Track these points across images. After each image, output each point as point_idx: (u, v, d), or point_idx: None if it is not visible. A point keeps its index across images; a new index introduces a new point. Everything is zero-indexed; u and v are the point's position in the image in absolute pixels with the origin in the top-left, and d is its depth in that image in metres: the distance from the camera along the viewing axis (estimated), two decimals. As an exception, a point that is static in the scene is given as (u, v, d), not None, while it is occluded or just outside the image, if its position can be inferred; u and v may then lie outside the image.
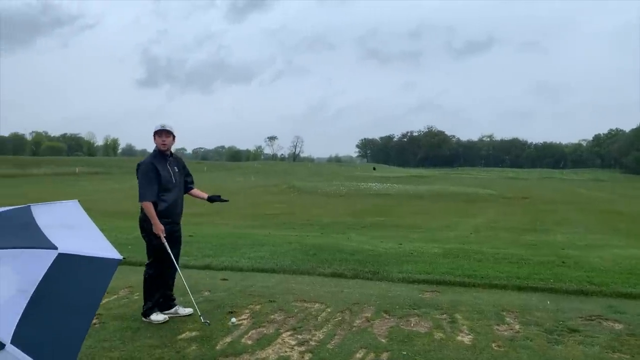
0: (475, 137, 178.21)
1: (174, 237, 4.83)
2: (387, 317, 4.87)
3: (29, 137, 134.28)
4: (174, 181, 4.80)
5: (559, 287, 6.00)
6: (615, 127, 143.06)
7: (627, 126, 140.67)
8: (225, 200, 5.23)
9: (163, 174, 4.69)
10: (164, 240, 4.67)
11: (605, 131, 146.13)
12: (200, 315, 4.59)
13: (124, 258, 2.25)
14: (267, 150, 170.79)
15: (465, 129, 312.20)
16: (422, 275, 6.50)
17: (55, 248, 1.98)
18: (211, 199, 5.17)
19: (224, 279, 6.26)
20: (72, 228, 2.22)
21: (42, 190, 30.77)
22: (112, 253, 2.17)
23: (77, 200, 2.40)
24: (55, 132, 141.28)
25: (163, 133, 4.76)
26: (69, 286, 1.98)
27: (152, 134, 4.79)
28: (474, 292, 5.87)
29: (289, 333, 4.41)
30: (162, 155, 4.79)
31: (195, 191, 5.14)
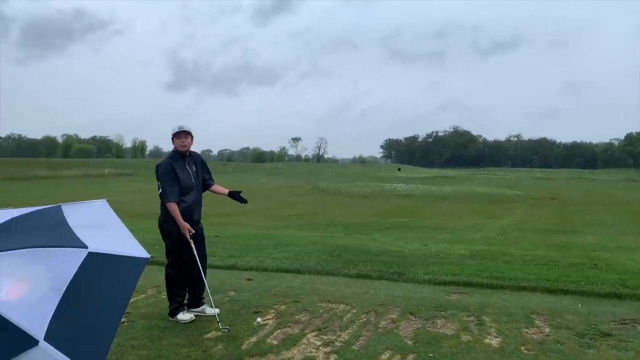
0: (502, 137, 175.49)
1: (198, 237, 4.87)
2: (413, 318, 4.82)
3: (60, 140, 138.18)
4: (193, 181, 4.83)
5: (590, 289, 5.83)
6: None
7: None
8: (244, 201, 5.16)
9: (182, 175, 4.73)
10: (190, 240, 4.72)
11: (638, 129, 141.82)
12: (218, 322, 4.53)
13: (152, 257, 2.28)
14: (291, 152, 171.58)
15: (492, 129, 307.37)
16: (449, 277, 6.41)
17: (86, 247, 2.02)
18: (232, 194, 5.13)
19: (249, 279, 6.30)
20: (102, 227, 2.26)
21: (73, 192, 31.58)
22: (141, 252, 2.21)
23: (105, 199, 2.45)
24: (85, 134, 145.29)
25: (182, 134, 4.80)
26: (99, 284, 2.02)
27: (171, 136, 4.83)
28: (501, 294, 5.75)
29: (314, 333, 4.40)
30: (180, 155, 4.83)
31: (215, 187, 5.14)
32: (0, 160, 72.56)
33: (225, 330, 4.46)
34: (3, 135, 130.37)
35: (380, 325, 4.62)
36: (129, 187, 38.61)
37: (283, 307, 5.16)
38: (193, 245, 4.75)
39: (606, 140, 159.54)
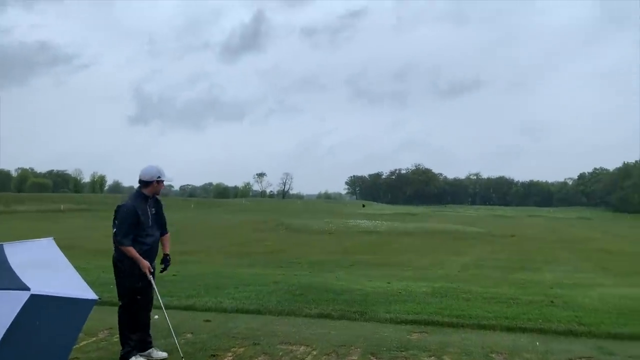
0: (462, 176, 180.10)
1: (148, 282, 4.71)
2: (374, 359, 4.75)
3: (14, 174, 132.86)
4: (151, 224, 4.76)
5: (547, 327, 5.93)
6: (599, 166, 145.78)
7: (611, 165, 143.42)
8: (163, 269, 5.00)
9: (143, 218, 4.65)
10: (151, 277, 4.63)
11: (590, 170, 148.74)
12: (182, 357, 4.43)
13: (99, 299, 2.18)
14: (256, 187, 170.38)
15: (453, 167, 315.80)
16: (411, 316, 6.40)
17: (28, 289, 1.91)
18: (164, 259, 5.01)
19: (207, 320, 6.09)
20: (46, 267, 2.16)
21: (26, 227, 30.20)
22: (88, 293, 2.11)
23: (52, 238, 2.34)
24: (41, 168, 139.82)
25: (162, 183, 4.75)
26: (41, 328, 1.90)
27: (147, 178, 4.69)
28: (462, 332, 5.77)
29: (272, 377, 4.26)
30: (144, 197, 4.74)
31: (163, 239, 5.02)
32: (-52, 194, 69.08)
33: None
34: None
35: (341, 367, 4.52)
36: (86, 223, 37.29)
37: (241, 349, 5.00)
38: (154, 283, 4.66)
39: (561, 179, 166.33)
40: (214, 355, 4.78)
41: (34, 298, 1.91)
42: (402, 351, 4.97)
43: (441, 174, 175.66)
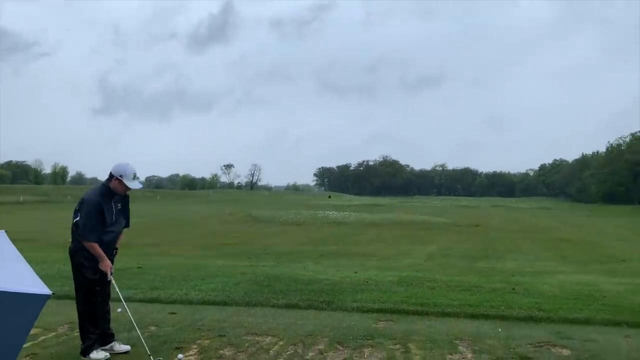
0: (428, 167, 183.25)
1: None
2: (341, 348, 4.77)
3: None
4: (114, 220, 4.65)
5: (509, 314, 6.09)
6: (559, 157, 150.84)
7: (570, 157, 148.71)
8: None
9: (107, 214, 4.53)
10: (111, 277, 4.56)
11: (550, 161, 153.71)
12: (149, 355, 4.32)
13: (53, 293, 2.09)
14: (224, 179, 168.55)
15: (419, 159, 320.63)
16: (377, 304, 6.46)
17: (-26, 284, 1.81)
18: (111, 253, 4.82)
19: (172, 313, 5.98)
20: (-4, 261, 2.05)
21: (-19, 220, 28.97)
22: (40, 288, 2.02)
23: (4, 231, 2.23)
24: (0, 159, 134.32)
25: (121, 183, 4.56)
26: (-12, 325, 1.81)
27: (117, 174, 4.52)
28: (427, 320, 5.86)
29: (238, 369, 4.22)
30: (109, 192, 4.59)
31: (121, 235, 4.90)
32: None
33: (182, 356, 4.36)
34: None
35: (307, 357, 4.52)
36: (46, 215, 36.09)
37: (207, 341, 4.93)
38: (114, 282, 4.58)
39: (523, 170, 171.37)
40: (178, 348, 4.69)
41: (-19, 293, 1.81)
42: (368, 339, 5.01)
43: (408, 166, 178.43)
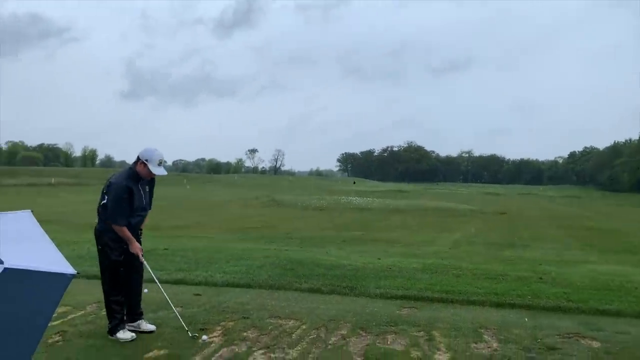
0: (454, 153, 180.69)
1: (133, 257, 4.70)
2: (364, 334, 4.75)
3: (4, 147, 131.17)
4: (143, 203, 4.71)
5: (536, 303, 5.96)
6: (590, 145, 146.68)
7: (601, 144, 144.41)
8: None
9: (136, 197, 4.57)
10: (143, 259, 4.68)
11: (581, 149, 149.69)
12: (187, 331, 4.51)
13: (78, 273, 2.10)
14: (248, 163, 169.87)
15: (445, 145, 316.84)
16: (400, 291, 6.41)
17: (1, 262, 1.82)
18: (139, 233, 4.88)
19: (197, 294, 6.06)
20: (23, 241, 2.07)
21: (16, 201, 29.91)
22: (65, 267, 2.03)
23: (30, 210, 2.25)
24: (32, 142, 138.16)
25: (146, 167, 4.58)
26: (14, 303, 1.83)
27: (144, 158, 4.53)
28: (452, 308, 5.78)
29: (261, 351, 4.25)
30: (136, 176, 4.61)
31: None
32: (-64, 167, 68.28)
33: (195, 336, 4.48)
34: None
35: (330, 342, 4.52)
36: (77, 197, 37.00)
37: (231, 323, 4.98)
38: (146, 263, 4.72)
39: (551, 158, 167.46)
40: (203, 329, 4.75)
41: (7, 272, 1.83)
42: (391, 326, 4.98)
43: (433, 152, 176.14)
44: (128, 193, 4.49)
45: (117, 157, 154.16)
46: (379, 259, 9.56)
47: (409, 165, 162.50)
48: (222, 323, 4.97)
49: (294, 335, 4.68)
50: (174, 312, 4.77)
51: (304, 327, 4.92)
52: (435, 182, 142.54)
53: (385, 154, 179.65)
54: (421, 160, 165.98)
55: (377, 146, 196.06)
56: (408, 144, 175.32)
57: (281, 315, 5.27)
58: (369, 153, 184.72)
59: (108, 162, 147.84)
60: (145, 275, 4.89)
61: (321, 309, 5.56)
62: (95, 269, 6.72)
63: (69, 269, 2.03)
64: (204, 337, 4.52)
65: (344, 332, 4.79)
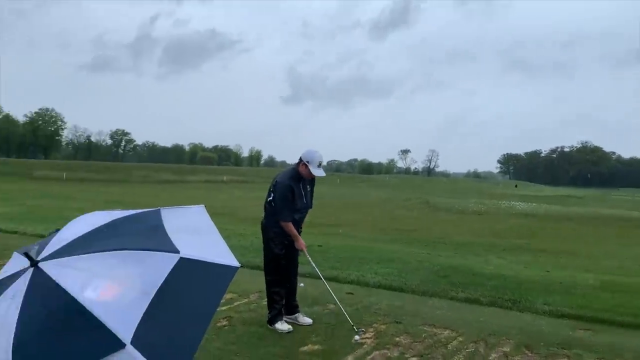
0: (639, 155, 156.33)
1: (295, 250, 4.92)
2: (529, 354, 4.28)
3: (187, 148, 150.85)
4: (305, 202, 4.91)
5: None
6: None
7: None
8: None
9: (298, 196, 4.80)
10: (308, 255, 4.96)
11: None
12: (353, 325, 4.61)
13: (242, 266, 2.20)
14: (400, 164, 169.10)
15: (628, 146, 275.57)
16: (574, 310, 5.65)
17: (178, 252, 1.98)
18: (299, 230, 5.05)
19: (350, 293, 6.11)
20: (196, 233, 2.23)
21: (195, 196, 34.13)
22: (231, 260, 2.13)
23: (203, 205, 2.43)
24: (208, 143, 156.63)
25: (306, 168, 4.78)
26: (187, 291, 1.97)
27: (305, 160, 4.75)
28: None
29: (414, 359, 4.08)
30: (298, 176, 4.83)
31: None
32: (136, 165, 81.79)
33: (362, 331, 4.56)
34: (140, 142, 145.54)
35: (490, 358, 4.15)
36: (245, 193, 40.76)
37: (383, 326, 4.90)
38: (310, 259, 5.01)
39: None
40: (355, 329, 4.75)
41: (182, 261, 1.97)
42: (563, 348, 4.40)
43: (614, 153, 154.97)
44: (291, 192, 4.73)
45: (279, 158, 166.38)
46: (548, 271, 8.62)
47: (582, 168, 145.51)
48: (375, 325, 4.92)
49: (449, 346, 4.41)
50: (332, 307, 4.88)
51: (460, 338, 4.61)
52: (616, 188, 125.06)
53: (554, 155, 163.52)
54: (598, 162, 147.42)
55: (545, 146, 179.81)
56: (582, 144, 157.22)
57: (435, 323, 5.03)
58: (535, 154, 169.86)
59: (271, 162, 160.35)
60: (301, 270, 5.12)
61: (480, 321, 5.16)
62: (257, 260, 7.24)
63: (235, 262, 2.12)
64: (356, 337, 4.51)
65: (506, 349, 4.37)
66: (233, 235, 11.08)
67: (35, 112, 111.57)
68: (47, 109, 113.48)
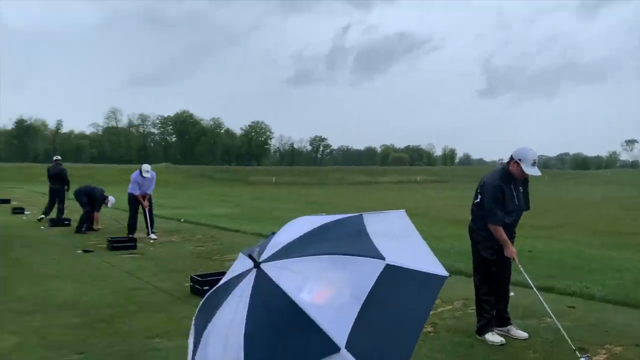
0: None
1: (505, 258, 4.50)
2: None
3: (378, 150, 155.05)
4: (517, 204, 4.47)
5: None
6: None
7: None
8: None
9: (509, 198, 4.41)
10: (519, 264, 4.51)
11: None
12: (574, 350, 3.92)
13: (449, 275, 2.03)
14: (624, 157, 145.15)
15: None
16: None
17: (383, 258, 1.92)
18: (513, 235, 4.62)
19: (571, 307, 5.35)
20: (399, 239, 2.15)
21: (387, 197, 34.74)
22: (438, 269, 1.98)
23: (404, 210, 2.33)
24: (400, 144, 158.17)
25: (518, 165, 4.38)
26: (394, 298, 1.89)
27: (518, 158, 4.38)
28: None
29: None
30: (509, 176, 4.44)
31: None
32: (332, 169, 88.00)
33: (588, 357, 3.91)
34: (335, 147, 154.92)
35: None
36: (439, 193, 39.95)
37: (618, 348, 4.14)
38: (522, 268, 4.52)
39: None
40: (582, 349, 4.10)
41: (388, 268, 1.91)
42: None
43: None
44: (500, 193, 4.36)
45: (475, 155, 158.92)
46: None
47: None
48: (607, 346, 4.18)
49: None
50: (548, 321, 4.32)
51: None
52: None
53: None
54: None
55: None
56: None
57: (692, 351, 4.04)
58: None
59: (466, 160, 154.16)
60: (512, 278, 4.66)
61: None
62: (460, 265, 6.92)
63: (443, 271, 1.99)
64: (584, 358, 3.89)
65: None
66: (430, 237, 10.83)
67: (249, 125, 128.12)
68: (257, 122, 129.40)
